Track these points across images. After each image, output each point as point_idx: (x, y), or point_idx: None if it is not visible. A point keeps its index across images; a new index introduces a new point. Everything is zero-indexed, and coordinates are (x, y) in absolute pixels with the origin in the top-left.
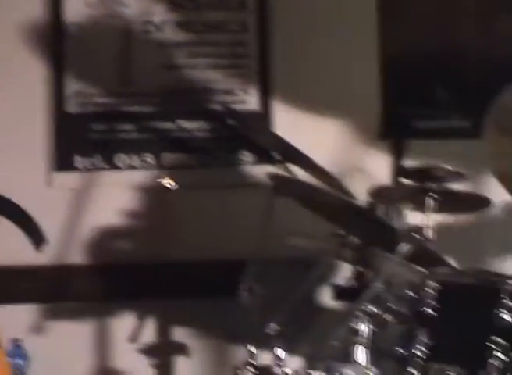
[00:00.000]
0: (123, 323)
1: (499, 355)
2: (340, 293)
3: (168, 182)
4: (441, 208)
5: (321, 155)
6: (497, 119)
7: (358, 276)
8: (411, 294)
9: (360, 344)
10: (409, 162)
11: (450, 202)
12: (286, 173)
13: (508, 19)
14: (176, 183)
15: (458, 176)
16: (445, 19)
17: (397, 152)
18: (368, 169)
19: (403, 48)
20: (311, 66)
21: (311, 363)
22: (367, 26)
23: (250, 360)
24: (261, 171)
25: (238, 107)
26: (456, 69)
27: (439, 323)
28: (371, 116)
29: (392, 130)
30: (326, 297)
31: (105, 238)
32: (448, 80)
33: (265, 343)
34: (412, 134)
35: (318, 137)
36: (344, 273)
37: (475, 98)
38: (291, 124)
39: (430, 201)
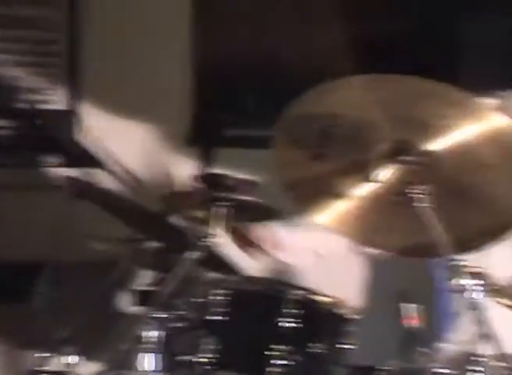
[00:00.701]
0: None
1: (279, 362)
2: (141, 298)
3: None
4: (232, 216)
5: (130, 158)
6: (286, 130)
7: (158, 282)
8: (201, 300)
9: (148, 350)
10: (216, 170)
11: (241, 211)
12: (87, 177)
13: (324, 30)
14: None
15: (250, 184)
16: (261, 27)
17: (205, 159)
18: (176, 175)
19: (218, 54)
20: (121, 66)
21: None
22: (180, 30)
23: (41, 366)
24: (64, 173)
25: (46, 106)
26: (268, 77)
27: (228, 329)
28: (182, 122)
29: (201, 137)
30: (125, 302)
31: None
32: (259, 89)
33: (58, 348)
34: (220, 142)
35: (127, 140)
36: (146, 277)
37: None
38: (101, 126)
39: (220, 209)
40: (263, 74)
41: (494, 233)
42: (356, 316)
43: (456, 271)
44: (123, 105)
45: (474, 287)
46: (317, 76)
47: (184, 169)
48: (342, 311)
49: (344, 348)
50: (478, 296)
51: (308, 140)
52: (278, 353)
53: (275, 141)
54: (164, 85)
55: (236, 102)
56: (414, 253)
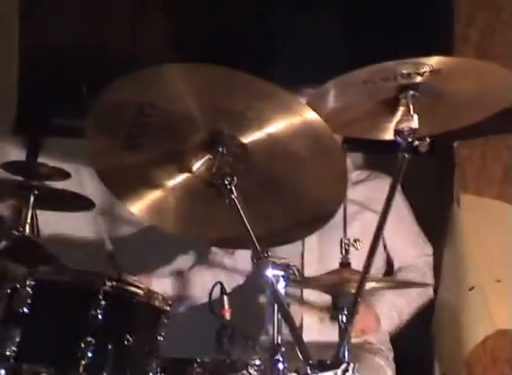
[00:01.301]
0: None
1: (89, 354)
2: None
3: None
4: (43, 205)
5: None
6: (97, 119)
7: None
8: (8, 291)
9: None
10: (44, 159)
11: (53, 200)
12: None
13: (156, 19)
14: None
15: (63, 174)
16: (92, 16)
17: (32, 148)
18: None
19: (47, 40)
20: None
21: None
22: (8, 18)
23: None
24: None
25: None
26: (98, 67)
27: (34, 321)
28: (8, 110)
29: (28, 126)
30: None
31: None
32: (90, 78)
33: None
34: (48, 131)
35: None
36: None
37: None
38: None
39: (31, 198)
40: (93, 64)
41: (306, 226)
42: (169, 308)
43: (263, 263)
44: None
45: (278, 279)
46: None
47: (11, 159)
48: (156, 302)
49: (158, 340)
50: (283, 287)
51: (120, 129)
52: (86, 345)
53: (87, 130)
54: None
55: (64, 91)
56: (230, 245)
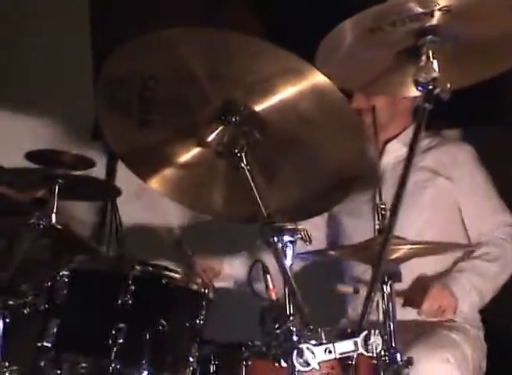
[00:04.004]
0: None
1: (120, 340)
2: None
3: None
4: (68, 194)
5: None
6: (105, 97)
7: None
8: (46, 283)
9: None
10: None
11: (77, 189)
12: None
13: None
14: None
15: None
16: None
17: (111, 153)
18: None
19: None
20: (23, 63)
21: None
22: (79, 23)
23: None
24: None
25: None
26: None
27: (71, 312)
28: (87, 117)
29: None
30: None
31: None
32: None
33: None
34: None
35: (32, 136)
36: None
37: None
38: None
39: (56, 187)
40: None
41: (332, 193)
42: (210, 292)
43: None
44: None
45: (286, 244)
46: None
47: None
48: (194, 286)
49: (199, 325)
50: (290, 252)
51: (131, 106)
52: (117, 332)
53: (98, 112)
54: (66, 81)
55: None
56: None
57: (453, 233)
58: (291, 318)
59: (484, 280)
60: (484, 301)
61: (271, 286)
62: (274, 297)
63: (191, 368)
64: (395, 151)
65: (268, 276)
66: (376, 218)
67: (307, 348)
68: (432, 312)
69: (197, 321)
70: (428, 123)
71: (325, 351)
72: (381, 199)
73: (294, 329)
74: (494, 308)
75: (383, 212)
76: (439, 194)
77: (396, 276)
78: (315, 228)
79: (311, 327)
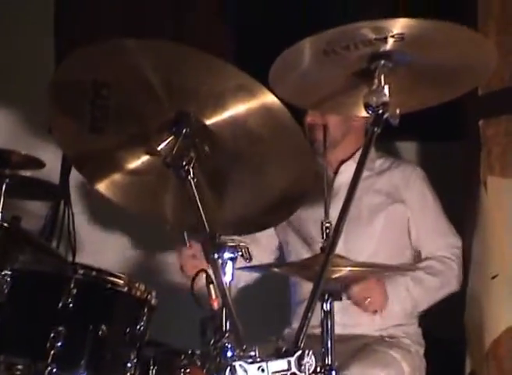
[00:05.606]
0: None
1: (59, 343)
2: None
3: None
4: (15, 193)
5: None
6: (56, 101)
7: None
8: None
9: None
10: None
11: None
12: None
13: None
14: None
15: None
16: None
17: None
18: None
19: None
20: None
21: None
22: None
23: None
24: None
25: None
26: None
27: (12, 312)
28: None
29: None
30: None
31: None
32: None
33: None
34: None
35: None
36: None
37: None
38: None
39: (3, 186)
40: None
41: (279, 209)
42: (152, 299)
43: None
44: None
45: (226, 261)
46: None
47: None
48: (137, 293)
49: (139, 331)
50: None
51: (83, 111)
52: (57, 335)
53: (50, 114)
54: (27, 73)
55: None
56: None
57: (405, 255)
58: (227, 334)
59: (421, 290)
60: (417, 309)
61: (213, 296)
62: (216, 307)
63: (129, 374)
64: (350, 171)
65: (211, 286)
66: (321, 236)
67: (240, 366)
68: (360, 299)
69: (138, 327)
70: (385, 135)
71: (258, 369)
72: (327, 217)
73: (229, 345)
74: (435, 324)
75: (327, 231)
76: (392, 219)
77: (337, 295)
78: (272, 237)
79: (245, 347)
